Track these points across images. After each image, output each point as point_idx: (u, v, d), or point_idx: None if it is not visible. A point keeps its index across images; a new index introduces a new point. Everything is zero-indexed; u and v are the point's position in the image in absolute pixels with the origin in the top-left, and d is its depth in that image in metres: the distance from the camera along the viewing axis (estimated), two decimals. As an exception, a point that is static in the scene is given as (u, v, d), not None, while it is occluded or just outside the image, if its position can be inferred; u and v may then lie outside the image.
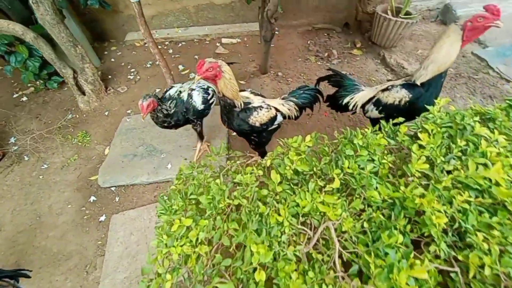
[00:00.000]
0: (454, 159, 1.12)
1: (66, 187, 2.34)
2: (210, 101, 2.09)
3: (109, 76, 3.46)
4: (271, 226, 0.92)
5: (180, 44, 3.86)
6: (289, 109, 1.81)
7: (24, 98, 3.28)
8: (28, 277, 1.45)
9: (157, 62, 3.54)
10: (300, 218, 1.00)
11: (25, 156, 2.62)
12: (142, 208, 2.12)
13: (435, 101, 1.32)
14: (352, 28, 3.99)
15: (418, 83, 1.53)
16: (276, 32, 3.79)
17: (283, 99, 1.85)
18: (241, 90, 1.73)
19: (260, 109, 1.60)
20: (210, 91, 2.09)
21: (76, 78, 2.92)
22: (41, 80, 3.29)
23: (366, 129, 1.27)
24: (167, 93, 2.00)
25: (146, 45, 3.92)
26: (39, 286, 1.80)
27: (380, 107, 1.71)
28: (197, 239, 0.92)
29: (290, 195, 1.02)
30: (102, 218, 2.12)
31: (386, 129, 1.31)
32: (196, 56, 3.59)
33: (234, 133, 2.60)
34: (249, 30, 3.88)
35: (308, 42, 3.71)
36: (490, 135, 1.12)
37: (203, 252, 0.86)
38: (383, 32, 3.28)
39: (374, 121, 1.89)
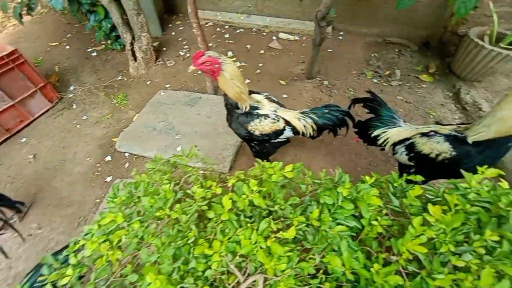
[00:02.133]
0: (471, 254, 0.82)
1: (92, 141, 2.56)
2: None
3: (164, 48, 3.63)
4: (194, 257, 0.79)
5: (238, 31, 3.82)
6: (304, 126, 1.60)
7: (94, 53, 3.68)
8: (19, 212, 1.60)
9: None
10: (237, 257, 0.84)
11: (74, 104, 2.95)
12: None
13: (478, 168, 0.97)
14: (432, 49, 3.38)
15: (470, 141, 1.16)
16: (329, 37, 3.43)
17: (302, 113, 1.63)
18: (254, 92, 1.58)
19: (265, 118, 1.43)
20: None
21: (133, 44, 3.13)
22: (110, 40, 3.64)
23: (367, 177, 1.01)
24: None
25: (207, 24, 4.01)
26: (40, 220, 2.01)
27: (412, 154, 1.37)
28: (120, 240, 0.84)
29: (236, 228, 0.86)
30: (109, 179, 2.25)
31: (395, 185, 1.03)
32: (248, 46, 3.51)
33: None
34: (311, 30, 3.60)
35: (371, 55, 3.27)
36: (544, 243, 0.77)
37: (114, 258, 0.78)
38: (467, 61, 2.67)
39: (402, 167, 1.55)
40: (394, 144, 1.52)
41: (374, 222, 0.91)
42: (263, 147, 1.59)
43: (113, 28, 3.41)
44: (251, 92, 1.55)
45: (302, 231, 0.85)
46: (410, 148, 1.37)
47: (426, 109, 2.58)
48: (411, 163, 1.40)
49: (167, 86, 3.10)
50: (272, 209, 0.90)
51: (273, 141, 1.55)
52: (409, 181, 1.05)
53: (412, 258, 0.84)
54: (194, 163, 2.18)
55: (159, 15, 4.19)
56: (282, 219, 0.89)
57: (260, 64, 3.21)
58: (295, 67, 3.14)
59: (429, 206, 0.85)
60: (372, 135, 1.62)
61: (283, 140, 1.59)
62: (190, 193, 0.96)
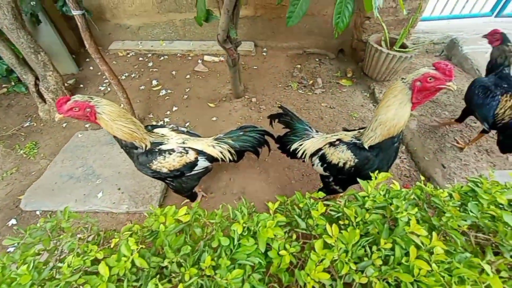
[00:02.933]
0: (372, 268, 0.80)
1: (-11, 205, 2.13)
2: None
3: (81, 85, 3.32)
4: None
5: (162, 58, 3.71)
6: (221, 152, 1.52)
7: (-7, 99, 3.19)
8: None
9: (131, 75, 3.42)
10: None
11: (-36, 164, 2.46)
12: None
13: (371, 174, 0.99)
14: (347, 55, 3.70)
15: (366, 146, 1.21)
16: (253, 55, 3.57)
17: (216, 139, 1.56)
18: (158, 126, 1.47)
19: (169, 154, 1.32)
20: None
21: (38, 85, 2.79)
22: (13, 82, 3.21)
23: (271, 204, 0.96)
24: None
25: (129, 55, 3.82)
26: None
27: (325, 165, 1.39)
28: None
29: (118, 301, 0.72)
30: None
31: (300, 205, 1.00)
32: (174, 72, 3.41)
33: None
34: (235, 49, 3.67)
35: (295, 67, 3.44)
36: (424, 239, 0.79)
37: None
38: (374, 64, 2.96)
39: (322, 177, 1.57)
40: (311, 156, 1.53)
41: (283, 252, 0.85)
42: (180, 182, 1.47)
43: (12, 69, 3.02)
44: (154, 127, 1.43)
45: (194, 284, 0.74)
46: (323, 158, 1.39)
47: (349, 111, 2.76)
48: (327, 174, 1.42)
49: (87, 126, 2.80)
50: (162, 264, 0.78)
51: (188, 174, 1.44)
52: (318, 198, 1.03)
53: (320, 287, 0.79)
54: (117, 209, 1.95)
55: (75, 50, 3.88)
56: (174, 274, 0.77)
57: (187, 89, 3.12)
58: (223, 88, 3.12)
59: (327, 226, 0.82)
60: (291, 149, 1.63)
61: (201, 170, 1.50)
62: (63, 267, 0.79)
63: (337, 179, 1.40)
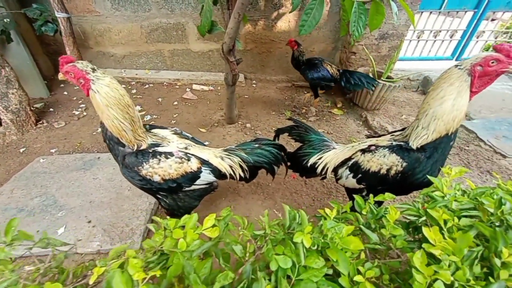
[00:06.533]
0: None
1: None
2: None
3: (51, 109, 2.94)
4: None
5: (147, 86, 3.51)
6: (230, 166, 1.26)
7: None
8: None
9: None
10: None
11: None
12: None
13: (442, 169, 0.80)
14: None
15: (415, 146, 1.04)
16: (242, 86, 3.56)
17: (226, 150, 1.31)
18: (157, 127, 1.20)
19: (166, 157, 1.03)
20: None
21: (-4, 105, 2.39)
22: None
23: (328, 210, 0.71)
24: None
25: (109, 82, 3.56)
26: None
27: (360, 175, 1.18)
28: None
29: None
30: None
31: (363, 211, 0.75)
32: (160, 99, 3.19)
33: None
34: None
35: (286, 98, 3.42)
36: None
37: None
38: (364, 94, 3.03)
39: (351, 192, 1.34)
40: (335, 169, 1.32)
41: (358, 278, 0.57)
42: (176, 199, 1.14)
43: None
44: (152, 127, 1.16)
45: None
46: (356, 168, 1.18)
47: (347, 136, 2.68)
48: (362, 186, 1.20)
49: (53, 151, 2.37)
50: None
51: (188, 189, 1.13)
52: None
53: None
54: (84, 248, 1.50)
55: (49, 75, 3.58)
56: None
57: (175, 115, 2.89)
58: (214, 114, 2.94)
59: (425, 230, 0.58)
60: (308, 164, 1.41)
61: (203, 186, 1.19)
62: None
63: (375, 191, 1.19)
